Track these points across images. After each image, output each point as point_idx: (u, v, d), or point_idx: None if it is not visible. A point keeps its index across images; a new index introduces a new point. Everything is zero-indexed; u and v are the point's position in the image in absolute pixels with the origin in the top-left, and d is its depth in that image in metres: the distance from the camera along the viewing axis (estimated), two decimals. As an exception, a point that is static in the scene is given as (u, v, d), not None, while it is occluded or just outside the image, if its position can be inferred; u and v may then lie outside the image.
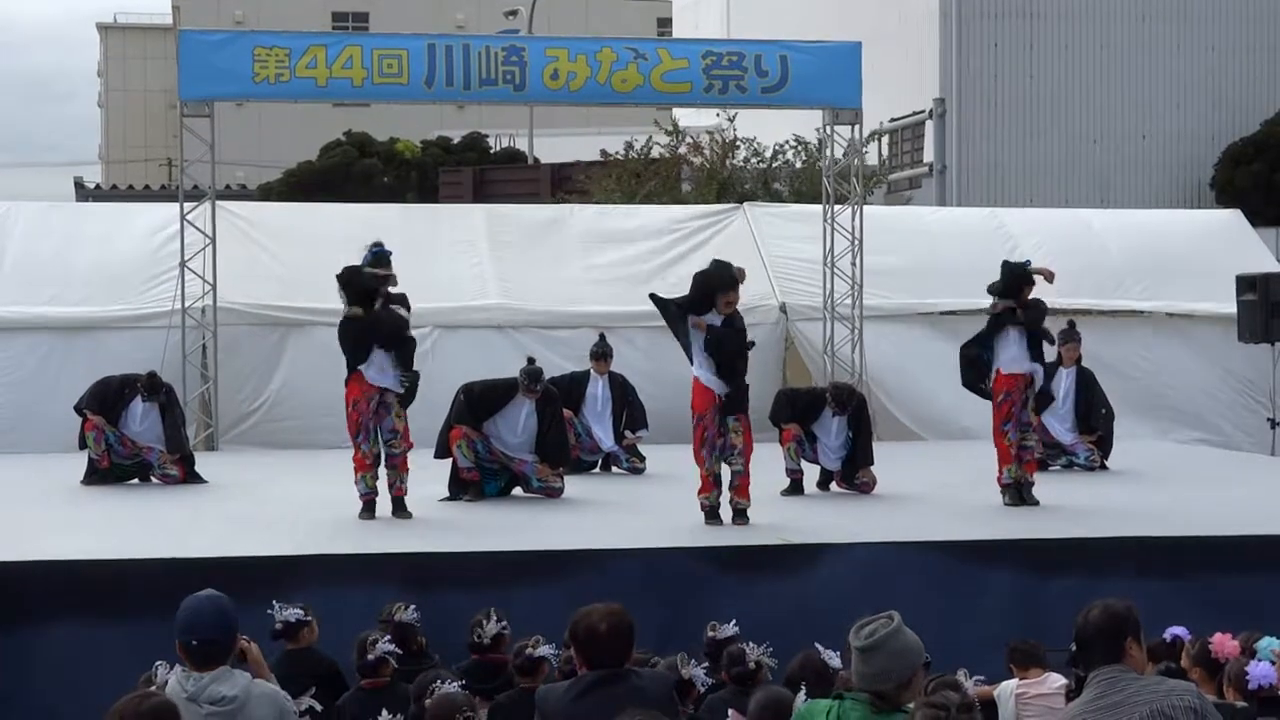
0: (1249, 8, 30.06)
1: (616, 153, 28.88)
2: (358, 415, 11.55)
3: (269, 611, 7.96)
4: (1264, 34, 30.09)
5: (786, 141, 27.30)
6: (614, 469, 15.15)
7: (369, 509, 11.60)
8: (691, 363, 11.23)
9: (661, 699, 5.60)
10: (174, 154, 24.58)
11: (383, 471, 11.70)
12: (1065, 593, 9.49)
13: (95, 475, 13.96)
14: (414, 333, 11.94)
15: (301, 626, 8.00)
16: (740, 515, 11.20)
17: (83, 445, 14.05)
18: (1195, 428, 19.46)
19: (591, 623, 5.62)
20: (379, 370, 11.54)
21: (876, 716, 5.06)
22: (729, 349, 11.10)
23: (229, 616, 5.73)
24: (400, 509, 11.68)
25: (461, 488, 12.81)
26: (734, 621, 7.79)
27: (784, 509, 12.10)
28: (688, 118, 31.88)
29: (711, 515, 11.22)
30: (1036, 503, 12.18)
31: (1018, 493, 12.20)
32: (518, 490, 13.07)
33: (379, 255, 11.63)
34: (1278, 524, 11.05)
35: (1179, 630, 7.88)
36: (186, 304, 17.42)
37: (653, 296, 11.54)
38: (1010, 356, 12.23)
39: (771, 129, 27.03)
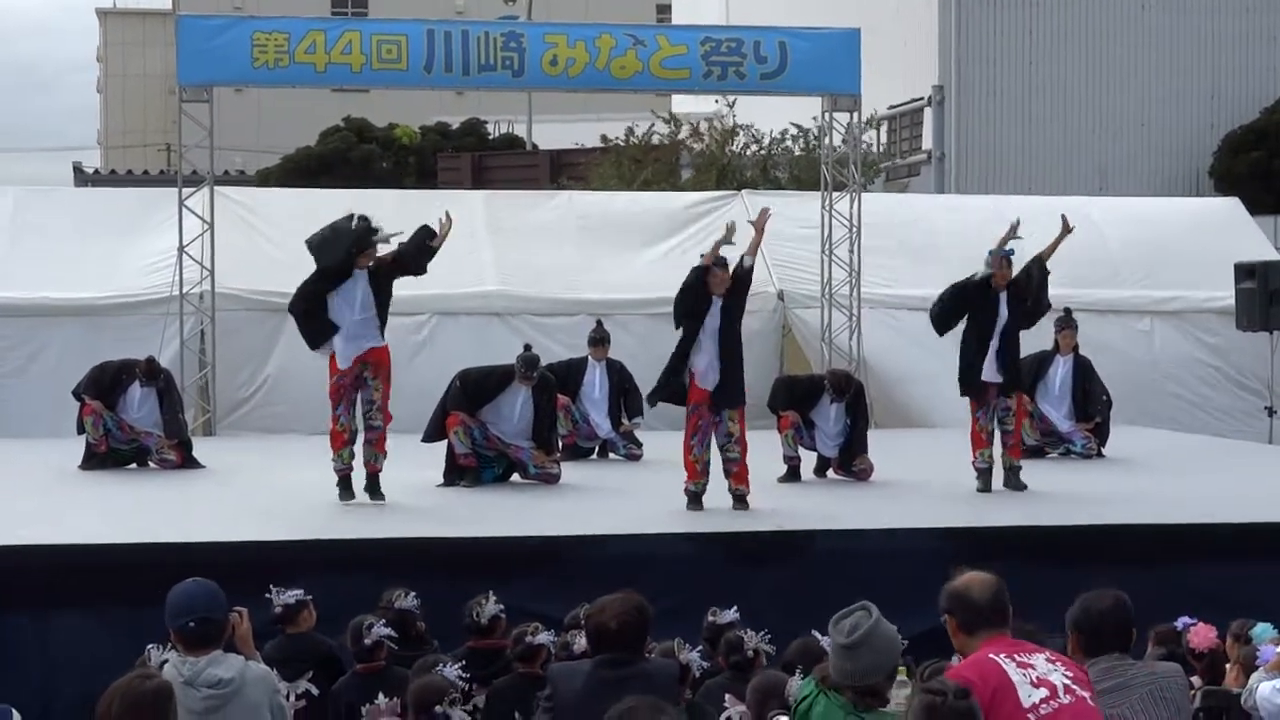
0: (1248, -5, 30.02)
1: (616, 139, 28.83)
2: (338, 386, 11.34)
3: (267, 595, 7.96)
4: (1263, 22, 30.03)
5: (785, 130, 27.26)
6: (611, 455, 15.15)
7: (345, 485, 11.31)
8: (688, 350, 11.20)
9: (667, 687, 5.83)
10: (173, 139, 24.54)
11: (360, 449, 11.40)
12: (1061, 580, 9.47)
13: (93, 460, 13.95)
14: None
15: (301, 609, 8.01)
16: (740, 501, 11.19)
17: (80, 430, 14.05)
18: (1192, 415, 19.47)
19: (603, 620, 5.87)
20: (345, 340, 11.27)
21: (861, 715, 4.91)
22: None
23: (220, 599, 5.80)
24: (374, 488, 11.37)
25: (458, 474, 12.81)
26: (734, 608, 7.81)
27: (781, 495, 12.11)
28: (686, 104, 31.84)
29: (694, 501, 11.20)
30: (1024, 487, 12.13)
31: (990, 477, 12.14)
32: (515, 476, 13.07)
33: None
34: (1274, 511, 11.06)
35: (1189, 619, 7.93)
36: (185, 290, 17.41)
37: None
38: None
39: (770, 116, 26.99)
